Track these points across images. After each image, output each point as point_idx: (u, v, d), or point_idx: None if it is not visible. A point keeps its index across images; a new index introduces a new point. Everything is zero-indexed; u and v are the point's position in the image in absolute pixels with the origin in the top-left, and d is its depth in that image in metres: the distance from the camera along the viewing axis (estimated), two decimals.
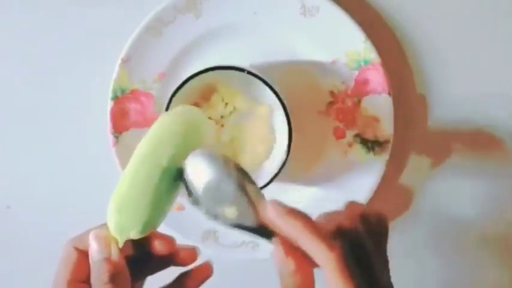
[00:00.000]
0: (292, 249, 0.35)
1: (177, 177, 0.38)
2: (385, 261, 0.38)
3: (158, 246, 0.38)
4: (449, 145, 0.53)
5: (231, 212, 0.36)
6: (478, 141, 0.53)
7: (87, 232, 0.37)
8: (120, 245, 0.36)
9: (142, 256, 0.38)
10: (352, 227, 0.36)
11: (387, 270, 0.37)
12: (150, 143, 0.38)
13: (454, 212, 0.55)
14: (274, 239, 0.36)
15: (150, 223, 0.37)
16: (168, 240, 0.38)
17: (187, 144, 0.38)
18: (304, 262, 0.35)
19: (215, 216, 0.37)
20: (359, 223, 0.36)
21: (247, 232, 0.36)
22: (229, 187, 0.36)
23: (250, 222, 0.36)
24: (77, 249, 0.37)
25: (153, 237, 0.38)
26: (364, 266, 0.35)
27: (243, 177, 0.37)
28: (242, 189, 0.36)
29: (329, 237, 0.34)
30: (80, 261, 0.36)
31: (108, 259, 0.35)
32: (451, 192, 0.54)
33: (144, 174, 0.37)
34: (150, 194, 0.36)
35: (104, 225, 0.37)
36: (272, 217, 0.36)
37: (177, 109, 0.42)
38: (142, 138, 0.39)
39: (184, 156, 0.38)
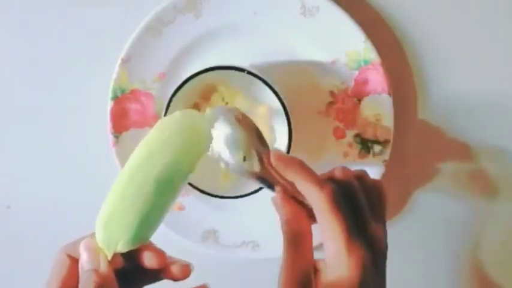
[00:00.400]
0: (291, 198, 0.39)
1: (171, 187, 0.37)
2: (382, 223, 0.39)
3: (148, 260, 0.37)
4: (449, 145, 0.53)
5: (239, 158, 0.41)
6: (477, 141, 0.53)
7: (81, 240, 0.37)
8: (109, 257, 0.36)
9: (132, 268, 0.38)
10: (344, 178, 0.39)
11: (385, 231, 0.39)
12: (142, 153, 0.37)
13: (452, 215, 0.55)
14: (276, 188, 0.40)
15: (139, 237, 0.36)
16: (159, 254, 0.37)
17: (185, 151, 0.38)
18: (302, 211, 0.39)
19: (226, 163, 0.41)
20: (353, 178, 0.39)
21: (253, 179, 0.41)
22: (241, 138, 0.41)
23: (255, 168, 0.40)
24: (69, 256, 0.37)
25: (144, 250, 0.37)
26: (356, 214, 0.37)
27: (253, 132, 0.41)
28: (251, 141, 0.41)
29: (322, 180, 0.37)
30: (72, 269, 0.36)
31: (96, 270, 0.35)
32: (449, 194, 0.54)
33: (134, 186, 0.36)
34: (139, 207, 0.36)
35: (95, 235, 0.37)
36: (273, 160, 0.39)
37: (173, 116, 0.40)
38: (140, 142, 0.38)
39: (184, 163, 0.37)
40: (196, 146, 0.39)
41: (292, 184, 0.39)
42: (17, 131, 0.54)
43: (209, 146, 0.40)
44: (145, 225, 0.36)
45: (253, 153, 0.41)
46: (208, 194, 0.48)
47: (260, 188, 0.47)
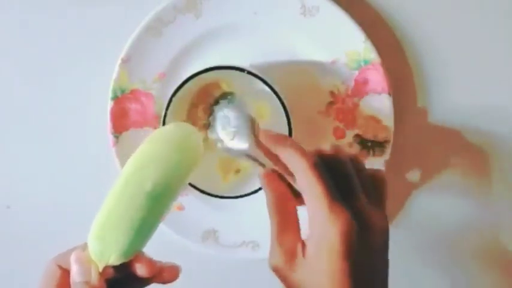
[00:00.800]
0: (278, 178, 0.40)
1: (163, 200, 0.37)
2: (379, 210, 0.39)
3: (140, 271, 0.37)
4: (449, 145, 0.53)
5: (231, 137, 0.44)
6: (478, 141, 0.53)
7: (71, 251, 0.37)
8: (100, 269, 0.36)
9: (124, 277, 0.38)
10: (334, 153, 0.39)
11: (383, 217, 0.38)
12: (134, 166, 0.38)
13: (452, 215, 0.55)
14: (264, 168, 0.40)
15: (132, 250, 0.36)
16: (149, 263, 0.37)
17: (177, 164, 0.38)
18: (287, 190, 0.39)
19: (220, 141, 0.45)
20: (343, 155, 0.39)
21: (244, 158, 0.42)
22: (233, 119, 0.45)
23: (244, 146, 0.42)
24: (60, 267, 0.37)
25: (135, 260, 0.37)
26: (343, 184, 0.37)
27: (252, 121, 0.43)
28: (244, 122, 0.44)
29: (306, 151, 0.38)
30: (63, 281, 0.36)
31: (88, 283, 0.35)
32: (449, 194, 0.54)
33: (126, 200, 0.36)
34: (131, 221, 0.36)
35: (87, 246, 0.37)
36: (262, 137, 0.40)
37: (166, 128, 0.41)
38: (133, 153, 0.38)
39: (176, 176, 0.38)
40: (187, 159, 0.39)
41: (282, 164, 0.39)
42: (17, 131, 0.54)
43: (200, 160, 0.40)
44: (138, 238, 0.36)
45: (245, 132, 0.42)
46: (208, 194, 0.48)
47: (260, 188, 0.47)
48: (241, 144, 0.43)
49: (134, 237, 0.36)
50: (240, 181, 0.50)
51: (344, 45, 0.50)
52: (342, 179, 0.38)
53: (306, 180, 0.36)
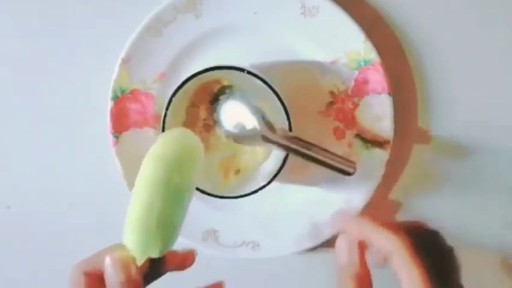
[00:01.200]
0: (357, 245, 0.39)
1: (191, 199, 0.39)
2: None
3: (171, 265, 0.38)
4: (450, 145, 0.53)
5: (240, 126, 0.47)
6: (478, 141, 0.53)
7: (96, 255, 0.37)
8: (139, 263, 0.36)
9: (153, 270, 0.38)
10: (420, 228, 0.39)
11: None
12: (160, 165, 0.38)
13: (451, 215, 0.55)
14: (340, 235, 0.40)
15: (171, 244, 0.38)
16: (179, 257, 0.39)
17: (196, 166, 0.40)
18: (365, 263, 0.38)
19: (233, 135, 0.48)
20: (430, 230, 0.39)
21: (263, 141, 0.45)
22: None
23: (260, 128, 0.45)
24: (85, 273, 0.36)
25: (166, 255, 0.38)
26: (438, 265, 0.37)
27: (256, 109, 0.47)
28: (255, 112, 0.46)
29: (396, 228, 0.37)
30: (91, 286, 0.36)
31: (124, 281, 0.35)
32: (449, 195, 0.54)
33: (170, 197, 0.38)
34: (172, 217, 0.38)
35: (116, 247, 0.37)
36: (341, 224, 0.40)
37: (172, 134, 0.42)
38: (151, 155, 0.39)
39: (195, 176, 0.40)
40: (198, 160, 0.41)
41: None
42: (16, 131, 0.54)
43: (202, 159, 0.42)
44: (175, 233, 0.38)
45: (253, 118, 0.45)
46: (208, 194, 0.48)
47: (260, 188, 0.47)
48: (253, 130, 0.45)
49: (174, 232, 0.38)
50: (240, 181, 0.50)
51: (344, 45, 0.50)
52: (440, 259, 0.38)
53: (404, 262, 0.36)
